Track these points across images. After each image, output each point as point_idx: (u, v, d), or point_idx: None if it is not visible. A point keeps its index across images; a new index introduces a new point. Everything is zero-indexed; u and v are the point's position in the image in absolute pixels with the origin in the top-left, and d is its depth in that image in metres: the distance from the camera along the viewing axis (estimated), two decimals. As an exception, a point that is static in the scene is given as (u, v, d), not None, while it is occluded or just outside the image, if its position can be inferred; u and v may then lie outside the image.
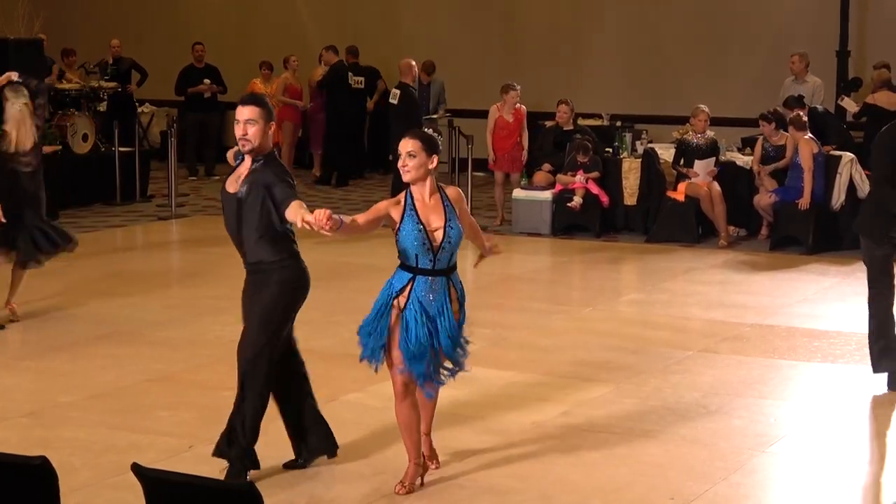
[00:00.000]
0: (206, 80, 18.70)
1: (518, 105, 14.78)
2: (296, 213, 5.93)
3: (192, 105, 18.71)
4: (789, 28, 17.10)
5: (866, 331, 8.19)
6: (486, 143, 14.86)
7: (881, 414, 7.75)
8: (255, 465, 6.33)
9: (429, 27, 19.00)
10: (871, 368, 8.19)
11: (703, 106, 13.66)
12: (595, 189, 13.95)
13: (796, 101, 14.01)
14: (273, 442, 6.90)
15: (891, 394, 7.93)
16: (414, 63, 14.96)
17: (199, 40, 18.95)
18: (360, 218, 6.03)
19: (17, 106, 9.47)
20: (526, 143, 14.91)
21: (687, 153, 13.57)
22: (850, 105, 15.13)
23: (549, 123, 15.10)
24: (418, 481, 6.30)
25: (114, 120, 16.45)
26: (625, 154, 14.43)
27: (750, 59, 17.32)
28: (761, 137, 13.76)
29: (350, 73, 18.13)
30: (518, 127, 14.79)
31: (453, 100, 16.90)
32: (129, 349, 9.00)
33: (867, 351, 8.21)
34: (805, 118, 13.13)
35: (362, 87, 18.37)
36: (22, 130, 9.46)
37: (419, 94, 16.23)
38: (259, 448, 6.36)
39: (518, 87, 14.81)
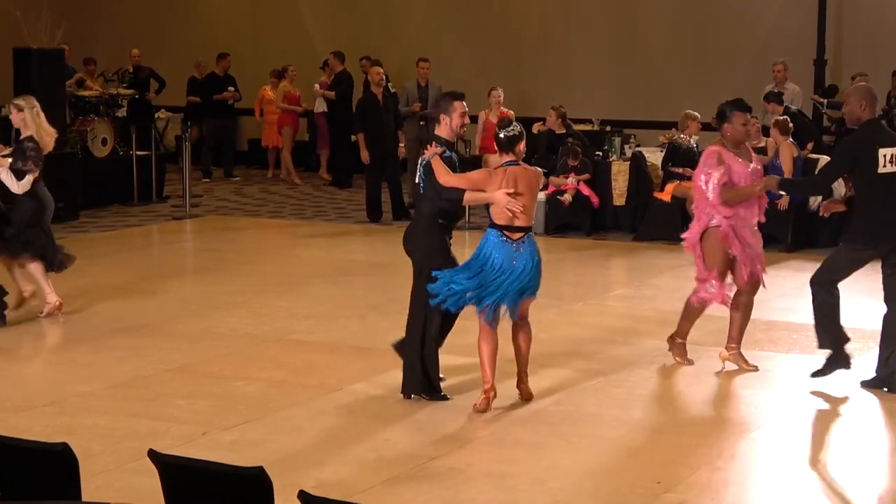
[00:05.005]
0: (230, 88, 18.76)
1: (504, 109, 14.85)
2: None
3: (213, 111, 18.74)
4: (770, 39, 17.11)
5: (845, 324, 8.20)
6: (474, 144, 15.36)
7: (855, 402, 7.75)
8: None
9: (429, 38, 18.99)
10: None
11: (696, 112, 13.64)
12: (586, 190, 13.94)
13: (775, 97, 14.00)
14: (282, 428, 6.91)
15: (863, 385, 7.92)
16: (380, 70, 15.00)
17: (215, 51, 19.02)
18: None
19: None
20: None
21: (678, 154, 13.56)
22: (818, 98, 15.96)
23: (541, 127, 15.08)
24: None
25: (132, 125, 16.45)
26: (614, 157, 14.43)
27: (733, 68, 17.32)
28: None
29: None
30: None
31: (452, 106, 16.91)
32: (148, 341, 9.00)
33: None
34: (791, 125, 13.09)
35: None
36: None
37: (418, 96, 16.23)
38: (267, 436, 6.31)
39: (500, 90, 15.04)
